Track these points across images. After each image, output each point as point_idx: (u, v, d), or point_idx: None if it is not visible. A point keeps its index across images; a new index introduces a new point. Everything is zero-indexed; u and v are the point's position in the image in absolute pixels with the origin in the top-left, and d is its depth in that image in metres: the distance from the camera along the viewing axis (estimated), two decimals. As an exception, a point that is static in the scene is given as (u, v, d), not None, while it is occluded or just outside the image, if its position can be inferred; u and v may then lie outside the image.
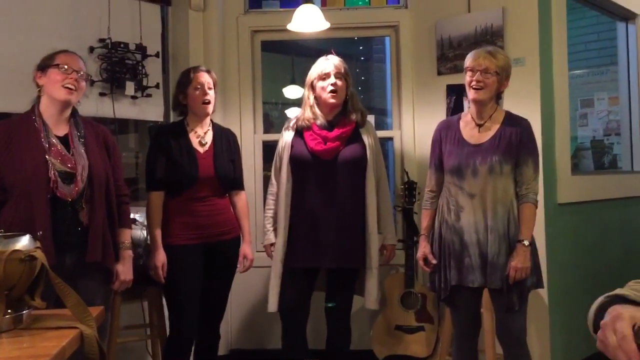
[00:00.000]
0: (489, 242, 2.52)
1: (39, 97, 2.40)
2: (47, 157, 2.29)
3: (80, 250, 2.35)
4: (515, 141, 2.54)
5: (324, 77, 2.88)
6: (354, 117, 2.91)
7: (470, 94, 2.57)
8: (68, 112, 2.43)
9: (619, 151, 4.81)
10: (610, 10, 4.43)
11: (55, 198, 2.28)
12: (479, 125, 2.61)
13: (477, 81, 2.53)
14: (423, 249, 2.72)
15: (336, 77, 2.87)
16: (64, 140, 2.38)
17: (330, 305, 2.96)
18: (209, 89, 2.90)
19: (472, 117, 2.65)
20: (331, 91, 2.86)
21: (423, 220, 2.77)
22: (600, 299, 1.16)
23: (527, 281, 2.52)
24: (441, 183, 2.71)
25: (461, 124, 2.68)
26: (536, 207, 2.56)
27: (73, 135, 2.40)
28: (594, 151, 4.87)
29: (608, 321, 1.01)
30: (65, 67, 2.36)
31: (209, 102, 2.89)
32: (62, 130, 2.40)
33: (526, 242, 2.48)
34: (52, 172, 2.28)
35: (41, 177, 2.26)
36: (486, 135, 2.59)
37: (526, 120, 2.63)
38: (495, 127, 2.58)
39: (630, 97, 4.53)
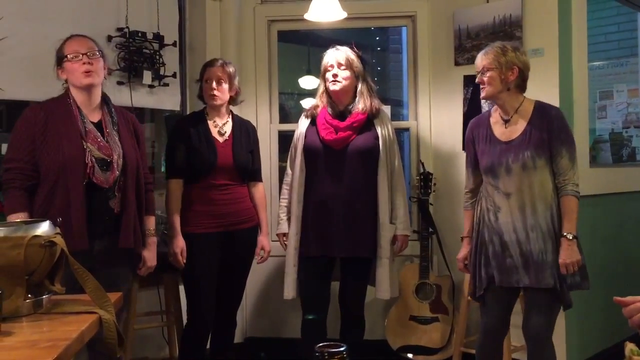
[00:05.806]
0: (531, 241, 2.45)
1: (67, 88, 2.42)
2: (84, 143, 2.31)
3: (110, 237, 2.38)
4: (546, 132, 2.48)
5: (329, 67, 2.93)
6: (362, 106, 2.92)
7: (481, 94, 2.59)
8: (98, 98, 2.44)
9: (638, 144, 4.76)
10: (631, 0, 4.36)
11: (90, 185, 2.30)
12: (506, 121, 2.56)
13: (479, 82, 2.56)
14: (465, 251, 2.71)
15: (339, 68, 2.91)
16: (98, 127, 2.40)
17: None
18: (219, 83, 2.91)
19: (499, 114, 2.60)
20: (332, 81, 2.91)
21: (465, 222, 2.74)
22: None
23: (567, 278, 2.44)
24: (479, 182, 2.67)
25: (491, 120, 2.63)
26: (577, 198, 2.47)
27: (107, 122, 2.42)
28: (613, 144, 4.81)
29: None
30: (74, 55, 2.36)
31: (214, 97, 2.91)
32: (95, 116, 2.42)
33: (569, 236, 2.41)
34: (89, 158, 2.29)
35: (78, 163, 2.27)
36: (516, 131, 2.52)
37: (556, 109, 2.57)
38: (524, 121, 2.52)
39: (651, 89, 4.47)
